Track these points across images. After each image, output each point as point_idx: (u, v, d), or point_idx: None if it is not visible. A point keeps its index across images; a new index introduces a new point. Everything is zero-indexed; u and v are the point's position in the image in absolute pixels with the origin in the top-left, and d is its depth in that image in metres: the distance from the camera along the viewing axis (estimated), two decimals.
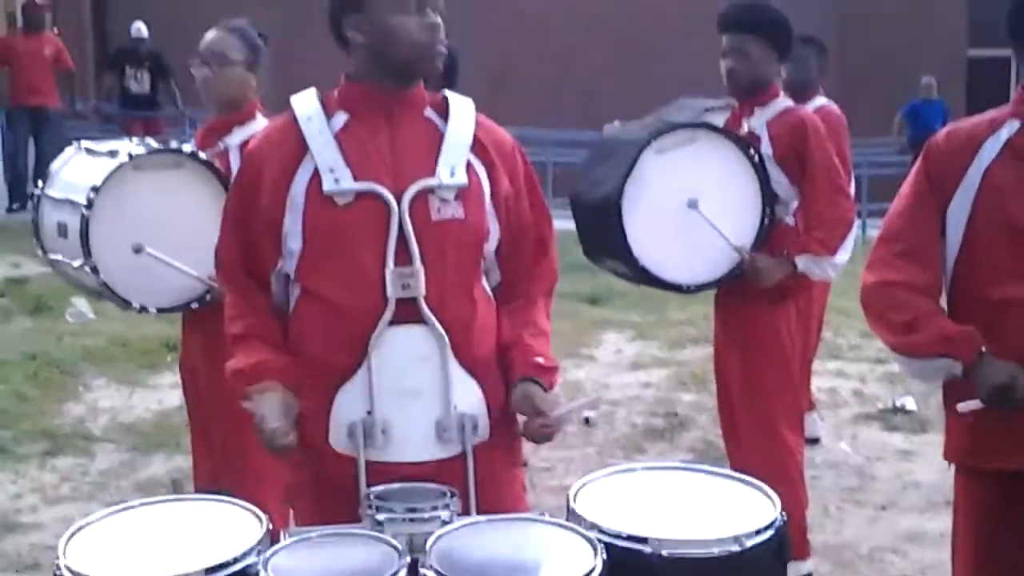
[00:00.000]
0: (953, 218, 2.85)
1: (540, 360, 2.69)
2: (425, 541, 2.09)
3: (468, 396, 2.62)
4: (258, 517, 2.22)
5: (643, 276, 4.36)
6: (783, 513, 2.23)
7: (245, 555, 2.06)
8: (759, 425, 4.49)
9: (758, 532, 2.14)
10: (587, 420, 6.61)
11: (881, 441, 6.36)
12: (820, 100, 6.09)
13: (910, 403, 6.77)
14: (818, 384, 7.17)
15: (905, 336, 2.80)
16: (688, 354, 8.10)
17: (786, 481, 4.47)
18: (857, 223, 4.96)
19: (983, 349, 2.71)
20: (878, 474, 5.84)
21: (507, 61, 18.71)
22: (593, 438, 6.38)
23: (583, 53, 18.96)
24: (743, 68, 4.35)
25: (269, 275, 2.70)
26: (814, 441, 6.22)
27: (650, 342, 8.57)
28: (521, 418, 2.66)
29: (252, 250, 2.69)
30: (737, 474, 2.45)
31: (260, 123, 3.97)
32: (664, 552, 2.05)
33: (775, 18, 4.40)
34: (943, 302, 2.91)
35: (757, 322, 4.45)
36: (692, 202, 4.25)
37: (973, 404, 2.73)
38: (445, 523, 2.17)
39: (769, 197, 4.33)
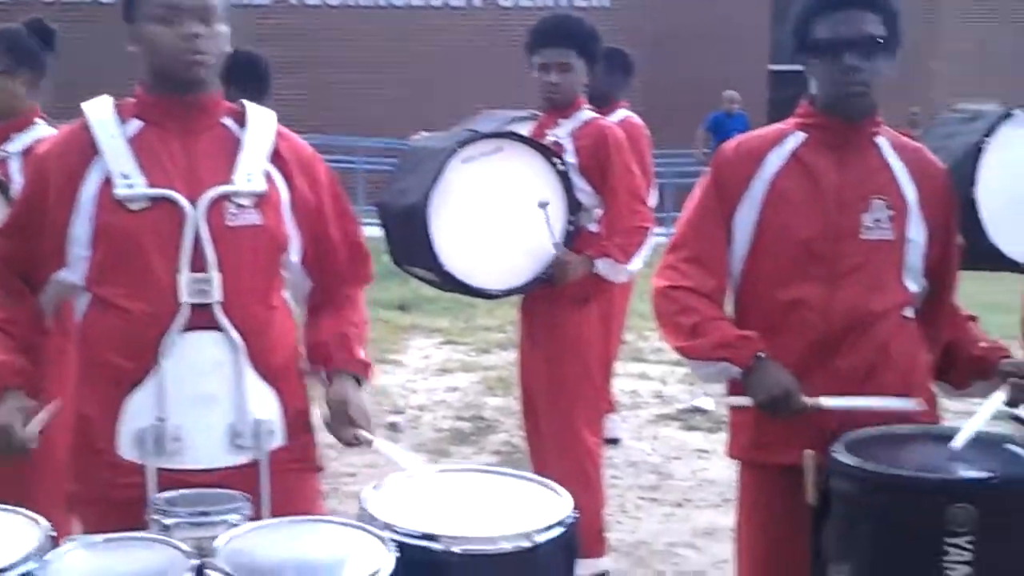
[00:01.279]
0: (740, 226, 2.98)
1: (362, 355, 2.76)
2: (214, 545, 2.09)
3: (263, 403, 2.63)
4: (37, 523, 2.16)
5: (450, 283, 4.43)
6: (574, 510, 2.31)
7: (23, 561, 2.01)
8: (560, 426, 4.61)
9: (548, 528, 2.21)
10: (393, 425, 6.65)
11: (679, 440, 6.58)
12: (623, 112, 6.27)
13: (707, 403, 7.01)
14: (620, 386, 7.38)
15: (690, 340, 2.93)
16: (495, 359, 8.21)
17: (584, 481, 4.61)
18: (661, 230, 5.14)
19: (761, 355, 2.85)
20: (675, 472, 6.04)
21: (320, 69, 18.59)
22: (399, 443, 6.40)
23: (395, 62, 18.97)
24: (567, 82, 4.48)
25: (45, 280, 2.66)
26: (614, 441, 6.40)
27: (458, 347, 8.66)
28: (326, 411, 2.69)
29: (31, 253, 2.64)
30: (530, 475, 2.52)
31: (43, 129, 3.86)
32: (456, 549, 2.10)
33: (591, 32, 4.55)
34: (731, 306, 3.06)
35: (561, 326, 4.57)
36: (492, 224, 4.34)
37: (741, 400, 2.88)
38: (234, 527, 2.17)
39: (574, 205, 4.45)
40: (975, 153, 4.68)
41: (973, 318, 3.13)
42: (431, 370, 8.04)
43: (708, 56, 19.12)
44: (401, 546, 2.08)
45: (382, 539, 2.10)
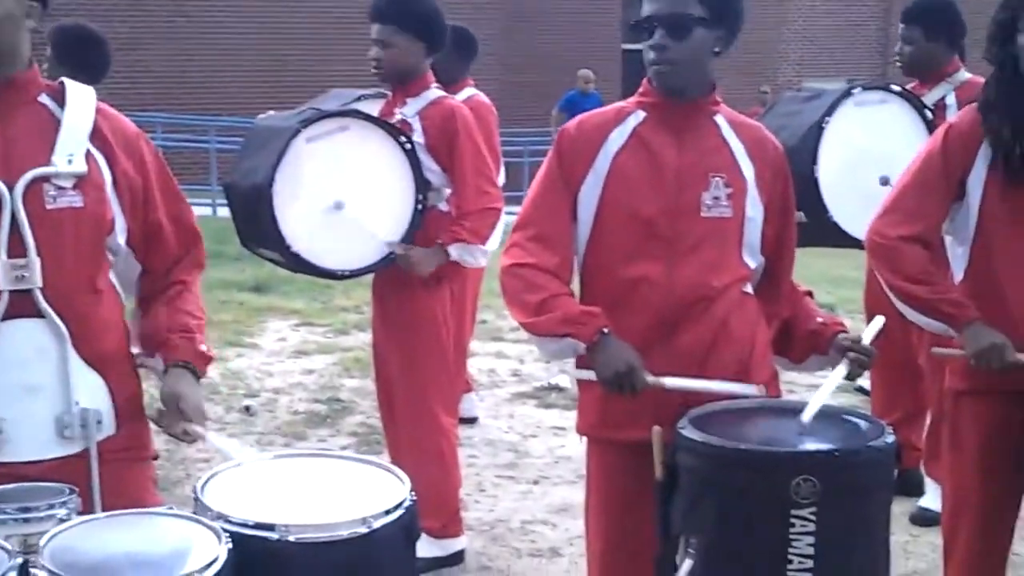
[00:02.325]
0: (584, 203, 2.99)
1: (202, 348, 2.69)
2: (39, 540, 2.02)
3: (91, 391, 2.55)
4: None
5: (297, 264, 4.37)
6: (412, 493, 2.28)
7: None
8: (415, 407, 4.58)
9: (387, 513, 2.18)
10: (247, 408, 6.55)
11: (536, 418, 6.60)
12: (470, 90, 6.24)
13: (564, 381, 7.04)
14: (477, 365, 7.38)
15: (535, 316, 2.92)
16: (353, 340, 8.14)
17: (440, 461, 4.60)
18: (516, 208, 5.13)
19: (605, 331, 2.86)
20: (532, 450, 6.06)
21: (172, 46, 18.20)
22: (253, 427, 6.32)
23: (250, 39, 18.67)
24: (387, 58, 4.43)
25: None
26: (472, 421, 6.40)
27: (315, 329, 8.57)
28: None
29: None
30: (369, 458, 2.49)
31: None
32: (292, 537, 2.06)
33: (421, 10, 4.48)
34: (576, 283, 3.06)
35: (413, 306, 4.54)
36: (339, 204, 4.29)
37: (585, 373, 2.89)
38: (62, 521, 2.10)
39: (422, 184, 4.41)
40: (816, 132, 4.78)
41: (810, 293, 3.18)
42: (287, 352, 7.93)
43: (563, 35, 19.23)
44: (235, 537, 2.03)
45: (215, 530, 2.05)
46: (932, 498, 4.89)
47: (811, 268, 10.20)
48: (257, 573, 2.04)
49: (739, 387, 2.85)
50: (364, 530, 2.12)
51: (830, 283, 9.62)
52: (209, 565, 1.94)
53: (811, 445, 2.65)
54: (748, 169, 2.99)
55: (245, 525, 2.08)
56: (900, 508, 5.13)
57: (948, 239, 3.30)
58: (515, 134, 14.51)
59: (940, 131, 3.29)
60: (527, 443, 6.18)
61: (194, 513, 2.16)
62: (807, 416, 2.72)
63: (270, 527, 2.07)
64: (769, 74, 18.59)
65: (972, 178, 3.19)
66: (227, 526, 2.06)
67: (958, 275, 3.26)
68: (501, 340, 8.22)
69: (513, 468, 5.81)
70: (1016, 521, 3.30)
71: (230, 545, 1.99)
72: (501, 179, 6.07)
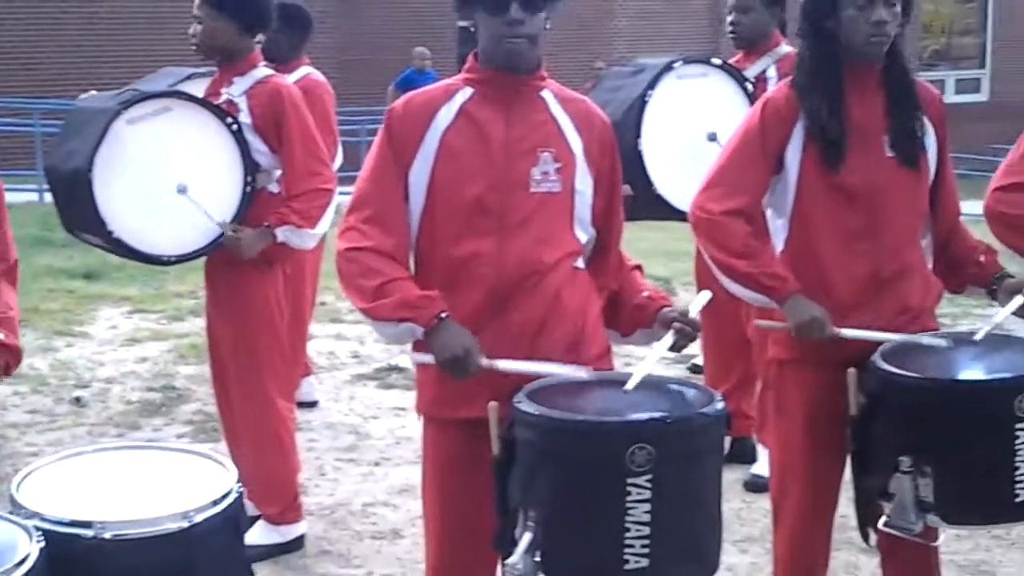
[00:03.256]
0: (415, 182, 2.97)
1: (13, 341, 2.59)
2: None
3: None
4: None
5: (120, 249, 4.27)
6: (239, 483, 2.24)
7: None
8: (251, 393, 4.51)
9: (209, 505, 2.13)
10: (78, 400, 6.36)
11: (377, 399, 6.56)
12: (305, 69, 6.14)
13: (405, 361, 7.01)
14: (317, 347, 7.29)
15: (373, 301, 2.88)
16: (188, 326, 7.96)
17: (276, 447, 4.54)
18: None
19: (443, 315, 2.84)
20: (373, 432, 6.02)
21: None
22: (85, 418, 6.14)
23: (73, 17, 18.06)
24: (204, 35, 4.35)
25: None
26: (311, 404, 6.33)
27: (148, 315, 8.36)
28: None
29: None
30: (195, 448, 2.43)
31: None
32: (108, 535, 2.01)
33: None
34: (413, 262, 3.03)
35: (245, 290, 4.46)
36: (164, 186, 4.19)
37: (423, 357, 2.87)
38: None
39: (250, 166, 4.33)
40: (639, 105, 4.84)
41: (639, 267, 3.21)
42: (120, 340, 7.71)
43: (398, 12, 19.09)
44: (50, 535, 1.96)
45: (27, 529, 1.97)
46: (764, 465, 5.01)
47: (646, 241, 10.35)
48: (74, 572, 1.98)
49: (571, 370, 2.86)
50: (186, 524, 2.08)
51: (665, 256, 9.77)
52: (18, 565, 1.87)
53: (645, 414, 2.69)
54: (576, 143, 2.99)
55: (60, 523, 2.01)
56: (734, 475, 5.26)
57: (769, 212, 3.37)
58: (352, 113, 14.37)
59: (758, 105, 3.35)
60: (368, 425, 6.14)
61: (9, 512, 2.07)
62: (630, 385, 2.77)
63: (86, 524, 2.01)
64: (603, 50, 18.76)
65: (790, 151, 3.26)
66: (41, 524, 1.99)
67: (778, 248, 3.34)
68: (340, 322, 8.15)
69: (354, 451, 5.76)
70: (841, 485, 3.39)
71: (42, 544, 1.92)
72: (339, 159, 6.01)
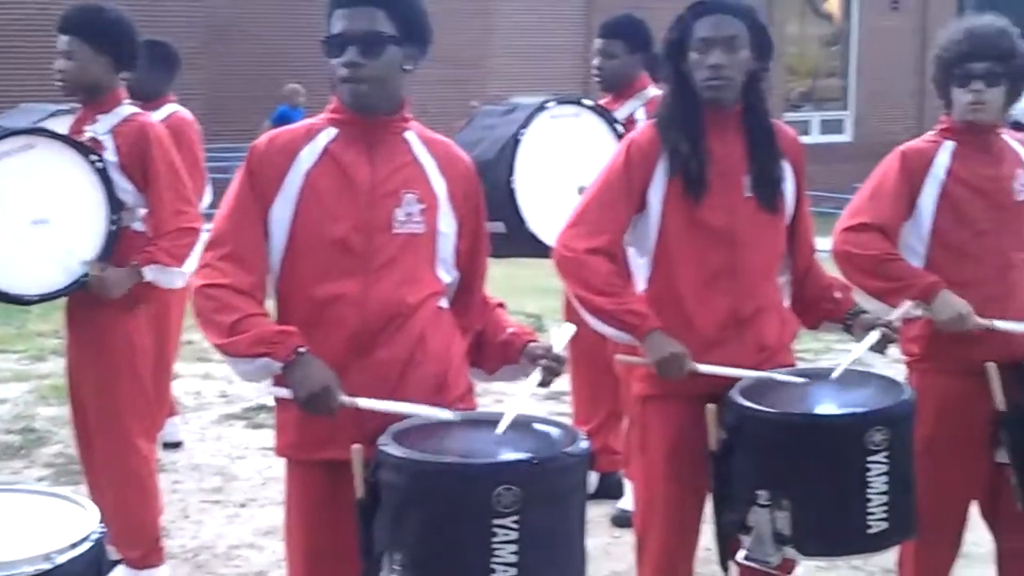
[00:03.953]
0: (276, 221, 2.96)
1: None
2: None
3: None
4: None
5: None
6: (101, 525, 2.20)
7: None
8: (112, 437, 4.43)
9: (72, 547, 2.10)
10: None
11: (245, 439, 6.49)
12: (171, 107, 6.08)
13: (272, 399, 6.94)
14: (183, 387, 7.19)
15: (229, 337, 2.87)
16: (50, 366, 7.78)
17: (138, 489, 4.46)
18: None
19: (301, 350, 2.83)
20: (240, 473, 5.96)
21: None
22: None
23: None
24: (70, 71, 4.30)
25: None
26: (176, 445, 6.23)
27: (9, 355, 8.16)
28: None
29: None
30: (55, 490, 2.39)
31: None
32: None
33: (107, 23, 4.34)
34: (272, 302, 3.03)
35: (108, 330, 4.39)
36: (27, 225, 4.12)
37: (283, 391, 2.86)
38: None
39: (115, 204, 4.28)
40: (513, 144, 4.91)
41: (501, 305, 3.25)
42: None
43: (269, 48, 18.97)
44: None
45: None
46: (631, 500, 5.09)
47: (518, 278, 10.40)
48: None
49: (433, 411, 2.87)
50: (48, 566, 2.04)
51: (537, 293, 9.83)
52: None
53: (510, 455, 2.71)
54: (440, 185, 3.02)
55: None
56: (601, 511, 5.33)
57: (631, 250, 3.44)
58: (224, 150, 14.21)
59: (622, 146, 3.43)
60: (235, 466, 6.07)
61: None
62: (502, 427, 2.78)
63: None
64: (478, 89, 18.89)
65: (652, 191, 3.34)
66: None
67: (640, 285, 3.41)
68: (208, 361, 8.02)
69: (220, 492, 5.69)
70: (702, 519, 3.46)
71: None
72: (208, 197, 5.96)
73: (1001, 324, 3.53)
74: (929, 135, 3.76)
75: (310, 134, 3.00)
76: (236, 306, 2.89)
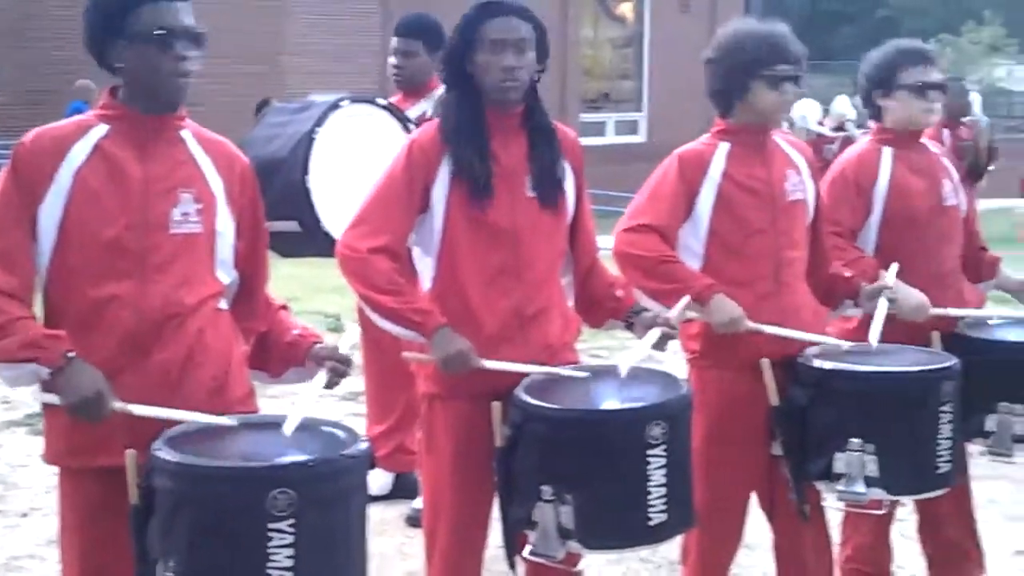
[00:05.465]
0: (45, 222, 2.86)
1: None
2: None
3: None
4: None
5: None
6: None
7: None
8: None
9: None
10: None
11: (27, 447, 6.25)
12: None
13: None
14: None
15: None
16: None
17: None
18: None
19: (71, 354, 2.74)
20: (21, 481, 5.76)
21: None
22: None
23: None
24: None
25: None
26: None
27: None
28: None
29: None
30: None
31: None
32: None
33: None
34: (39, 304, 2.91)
35: None
36: None
37: (51, 397, 2.77)
38: None
39: None
40: (307, 142, 4.86)
41: (285, 307, 3.21)
42: None
43: (64, 44, 18.35)
44: None
45: None
46: None
47: (317, 278, 10.34)
48: None
49: (209, 417, 2.82)
50: None
51: (335, 292, 9.75)
52: None
53: (287, 458, 2.68)
54: (217, 184, 2.97)
55: None
56: (397, 511, 5.33)
57: (416, 250, 3.44)
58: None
59: (404, 146, 3.42)
60: (16, 474, 5.86)
61: None
62: (288, 429, 2.76)
63: None
64: (274, 86, 18.62)
65: (436, 191, 3.33)
66: None
67: (426, 284, 3.41)
68: None
69: (1, 501, 5.48)
70: (491, 516, 3.47)
71: None
72: None
73: (770, 329, 3.66)
74: (705, 138, 3.86)
75: (80, 131, 2.91)
76: (3, 310, 2.77)
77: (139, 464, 2.69)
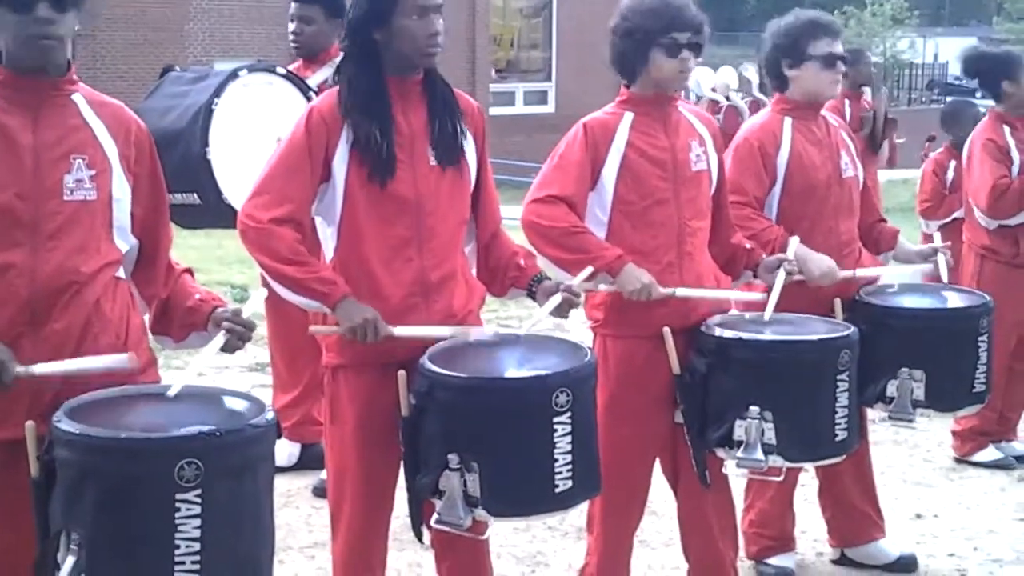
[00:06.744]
0: None
1: None
2: None
3: None
4: None
5: None
6: None
7: None
8: None
9: None
10: None
11: None
12: None
13: None
14: None
15: None
16: None
17: None
18: None
19: None
20: None
21: None
22: None
23: None
24: None
25: None
26: None
27: None
28: None
29: None
30: None
31: None
32: None
33: None
34: None
35: None
36: None
37: None
38: None
39: None
40: (207, 113, 4.78)
41: (189, 271, 3.16)
42: None
43: None
44: None
45: None
46: None
47: (223, 248, 10.24)
48: None
49: (115, 359, 2.79)
50: None
51: (242, 264, 9.67)
52: None
53: (193, 428, 2.65)
54: (111, 149, 2.91)
55: None
56: (304, 481, 5.31)
57: (318, 220, 3.41)
58: None
59: (304, 114, 3.36)
60: None
61: None
62: (172, 392, 2.78)
63: None
64: (177, 53, 18.33)
65: (336, 161, 3.29)
66: None
67: (329, 255, 3.38)
68: None
69: None
70: (396, 486, 3.47)
71: None
72: None
73: (682, 291, 3.70)
74: (610, 107, 3.88)
75: None
76: None
77: (39, 436, 2.65)
